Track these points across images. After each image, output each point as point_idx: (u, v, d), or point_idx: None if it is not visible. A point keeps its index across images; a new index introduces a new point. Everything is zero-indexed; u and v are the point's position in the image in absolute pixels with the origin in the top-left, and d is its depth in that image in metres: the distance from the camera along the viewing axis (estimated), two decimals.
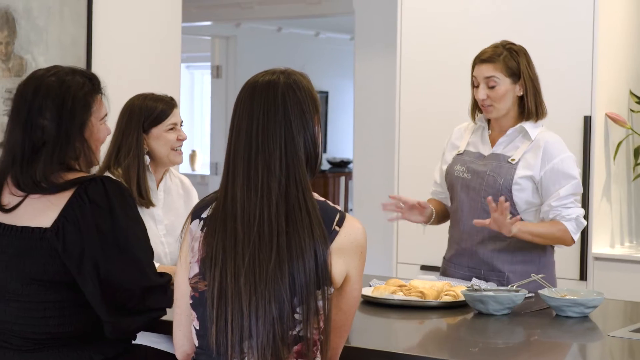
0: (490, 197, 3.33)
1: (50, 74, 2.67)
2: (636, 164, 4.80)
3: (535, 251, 3.50)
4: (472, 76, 3.53)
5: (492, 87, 3.46)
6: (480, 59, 3.50)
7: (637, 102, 4.76)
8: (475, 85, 3.53)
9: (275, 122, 2.26)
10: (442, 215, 3.72)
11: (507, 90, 3.46)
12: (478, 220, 3.39)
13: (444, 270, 3.65)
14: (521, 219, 3.39)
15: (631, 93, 4.79)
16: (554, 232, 3.43)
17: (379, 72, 6.86)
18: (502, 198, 3.31)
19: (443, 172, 3.70)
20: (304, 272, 2.20)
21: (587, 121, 4.52)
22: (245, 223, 2.23)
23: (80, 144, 2.64)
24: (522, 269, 3.43)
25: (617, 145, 4.65)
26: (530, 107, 3.47)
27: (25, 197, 2.60)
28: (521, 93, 3.48)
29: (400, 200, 3.58)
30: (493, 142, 3.56)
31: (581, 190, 3.47)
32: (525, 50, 3.52)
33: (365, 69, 6.99)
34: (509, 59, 3.46)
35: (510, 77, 3.46)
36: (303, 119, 2.29)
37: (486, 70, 3.47)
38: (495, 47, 3.51)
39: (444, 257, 3.68)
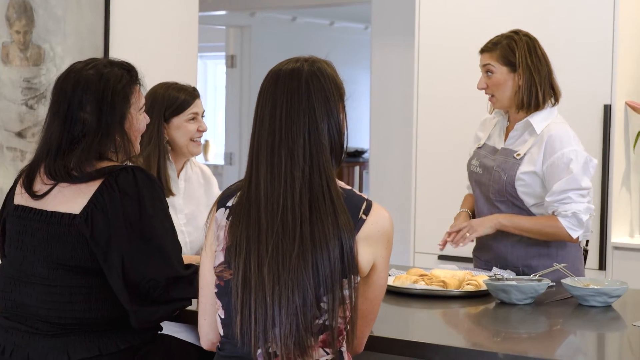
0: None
1: (88, 67, 2.69)
2: None
3: (553, 245, 3.45)
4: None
5: (490, 76, 3.47)
6: (481, 49, 3.53)
7: None
8: None
9: (299, 110, 2.25)
10: None
11: (504, 79, 3.44)
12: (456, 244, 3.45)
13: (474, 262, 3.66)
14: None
15: None
16: (543, 227, 3.38)
17: (396, 61, 6.84)
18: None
19: None
20: (329, 261, 2.19)
21: (607, 110, 4.50)
22: (269, 212, 2.22)
23: (120, 137, 2.67)
24: (537, 264, 3.40)
25: (637, 134, 4.62)
26: (521, 97, 3.43)
27: (54, 185, 2.62)
28: (521, 83, 3.45)
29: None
30: (507, 136, 3.54)
31: (579, 186, 3.35)
32: (532, 39, 3.47)
33: (382, 57, 6.97)
34: (506, 48, 3.44)
35: (507, 66, 3.44)
36: (327, 106, 2.28)
37: (483, 58, 3.50)
38: (499, 36, 3.50)
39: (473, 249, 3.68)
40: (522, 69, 3.42)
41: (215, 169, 11.61)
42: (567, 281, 3.10)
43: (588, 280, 3.14)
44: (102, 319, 2.62)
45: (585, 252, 3.72)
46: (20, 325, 2.65)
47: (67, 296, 2.60)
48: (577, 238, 3.39)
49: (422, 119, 5.06)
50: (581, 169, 3.37)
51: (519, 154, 3.44)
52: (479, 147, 3.63)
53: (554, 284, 3.25)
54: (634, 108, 4.58)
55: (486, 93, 3.53)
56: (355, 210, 2.25)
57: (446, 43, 4.97)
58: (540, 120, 3.44)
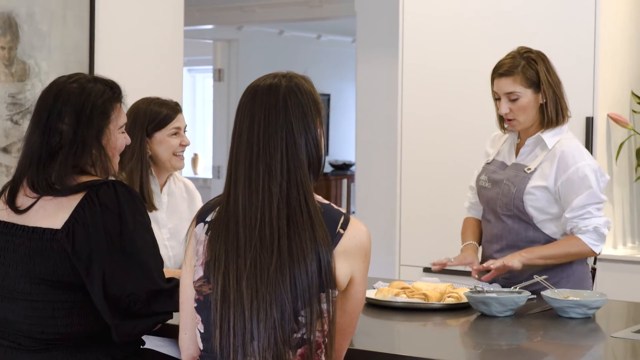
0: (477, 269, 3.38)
1: (72, 81, 2.71)
2: (638, 165, 4.81)
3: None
4: (492, 90, 3.48)
5: (514, 101, 3.41)
6: (499, 73, 3.44)
7: (639, 103, 4.77)
8: (496, 98, 3.48)
9: (277, 125, 2.27)
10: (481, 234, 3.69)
11: (529, 101, 3.40)
12: (486, 276, 3.39)
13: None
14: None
15: (633, 94, 4.80)
16: (568, 249, 3.38)
17: (380, 75, 6.87)
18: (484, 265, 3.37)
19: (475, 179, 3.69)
20: (306, 275, 2.20)
21: (589, 122, 4.53)
22: (247, 226, 2.24)
23: (97, 151, 2.68)
24: None
25: (619, 146, 4.65)
26: (550, 115, 3.41)
27: (38, 199, 2.64)
28: (543, 100, 3.42)
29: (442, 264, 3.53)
30: (518, 152, 3.53)
31: (599, 199, 3.37)
32: (544, 55, 3.46)
33: (367, 71, 7.00)
34: (528, 69, 3.39)
35: (531, 88, 3.40)
36: (304, 121, 2.29)
37: (506, 84, 3.42)
38: (512, 57, 3.44)
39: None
40: (546, 87, 3.39)
41: (204, 182, 11.63)
42: (547, 293, 3.12)
43: (568, 292, 3.16)
44: (84, 333, 2.63)
45: (594, 270, 3.72)
46: (3, 341, 2.66)
47: (49, 311, 2.61)
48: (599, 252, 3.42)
49: (407, 131, 5.08)
50: (597, 183, 3.38)
51: (529, 169, 3.43)
52: (487, 163, 3.61)
53: (535, 296, 3.26)
54: (616, 120, 4.61)
55: (508, 117, 3.45)
56: (333, 224, 2.26)
57: (430, 57, 5.00)
58: (551, 135, 3.43)
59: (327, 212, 2.28)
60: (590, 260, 3.64)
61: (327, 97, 12.47)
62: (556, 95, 3.42)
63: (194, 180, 3.86)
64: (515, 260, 3.34)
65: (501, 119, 3.56)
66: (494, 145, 3.66)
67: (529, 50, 3.46)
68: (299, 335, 2.22)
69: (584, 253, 3.40)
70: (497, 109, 3.51)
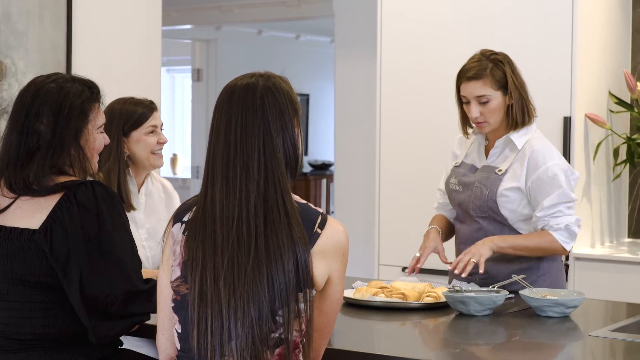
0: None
1: (50, 80, 2.71)
2: (616, 164, 4.83)
3: (534, 259, 3.45)
4: (461, 95, 3.45)
5: (484, 104, 3.40)
6: (467, 77, 3.41)
7: (616, 103, 4.79)
8: (464, 102, 3.46)
9: (254, 124, 2.27)
10: (448, 231, 3.67)
11: (499, 103, 3.40)
12: (464, 272, 3.33)
13: (449, 278, 3.62)
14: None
15: (610, 94, 4.81)
16: (540, 243, 3.37)
17: (359, 74, 6.87)
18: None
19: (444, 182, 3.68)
20: (283, 274, 2.20)
21: (567, 122, 4.54)
22: (225, 225, 2.24)
23: (75, 151, 2.67)
24: None
25: (596, 145, 4.67)
26: (515, 116, 3.41)
27: (15, 199, 2.63)
28: (510, 102, 3.41)
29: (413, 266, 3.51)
30: (488, 154, 3.52)
31: (569, 199, 3.37)
32: (508, 57, 3.46)
33: (346, 71, 7.00)
34: (496, 71, 3.38)
35: (500, 90, 3.39)
36: (282, 120, 2.29)
37: (475, 88, 3.39)
38: (479, 60, 3.42)
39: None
40: (512, 89, 3.39)
41: (183, 182, 11.61)
42: (524, 292, 3.13)
43: (545, 291, 3.17)
44: (61, 334, 2.62)
45: (566, 266, 3.72)
46: None
47: (26, 312, 2.60)
48: (569, 250, 3.42)
49: (385, 131, 5.08)
50: (567, 182, 3.39)
51: (500, 170, 3.43)
52: (456, 166, 3.59)
53: (512, 295, 3.27)
54: (593, 120, 4.62)
55: (478, 120, 3.44)
56: (310, 224, 2.26)
57: (408, 58, 5.00)
58: (520, 136, 3.43)
59: (304, 212, 2.28)
60: (563, 257, 3.64)
61: (306, 97, 12.47)
62: (522, 97, 3.42)
63: (173, 180, 3.86)
64: (486, 250, 3.32)
65: (464, 123, 3.56)
66: (461, 147, 3.65)
67: (494, 53, 3.45)
68: (277, 334, 2.21)
69: (555, 249, 3.40)
70: (461, 112, 3.51)
